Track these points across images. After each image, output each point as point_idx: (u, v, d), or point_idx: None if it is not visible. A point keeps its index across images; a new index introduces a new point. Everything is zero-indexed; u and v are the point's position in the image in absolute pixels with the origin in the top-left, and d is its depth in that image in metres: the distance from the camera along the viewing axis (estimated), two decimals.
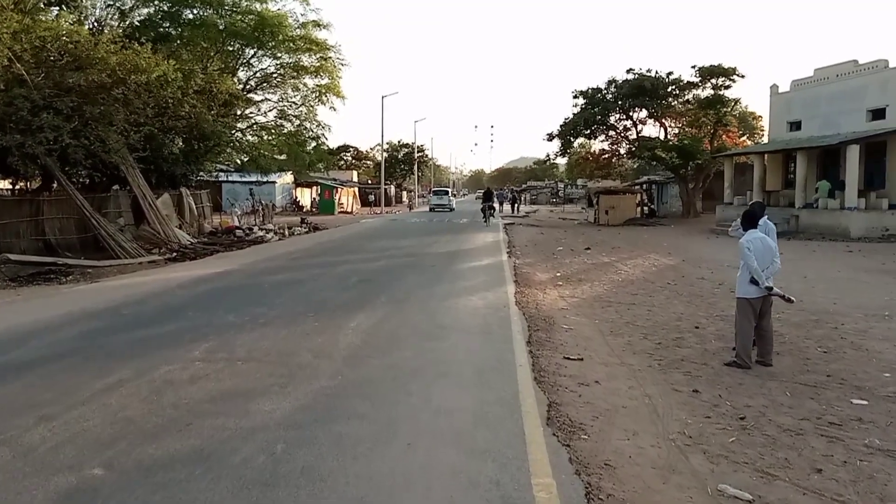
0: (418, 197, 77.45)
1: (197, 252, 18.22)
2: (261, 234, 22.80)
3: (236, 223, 24.85)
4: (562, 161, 69.52)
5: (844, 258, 17.77)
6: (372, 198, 55.27)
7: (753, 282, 7.12)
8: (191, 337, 7.90)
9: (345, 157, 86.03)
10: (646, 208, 39.44)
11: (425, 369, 6.53)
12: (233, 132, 25.94)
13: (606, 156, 40.40)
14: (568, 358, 7.22)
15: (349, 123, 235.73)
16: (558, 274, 14.58)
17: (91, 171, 18.00)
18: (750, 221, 7.59)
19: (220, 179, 41.72)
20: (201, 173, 27.03)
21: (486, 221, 33.45)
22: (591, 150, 45.13)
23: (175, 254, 17.62)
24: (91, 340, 7.85)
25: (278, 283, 12.29)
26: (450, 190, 71.57)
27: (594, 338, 8.37)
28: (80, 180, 20.11)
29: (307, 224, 29.18)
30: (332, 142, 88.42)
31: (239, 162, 27.98)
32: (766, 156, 28.85)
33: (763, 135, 38.94)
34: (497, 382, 6.15)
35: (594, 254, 19.04)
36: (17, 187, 20.34)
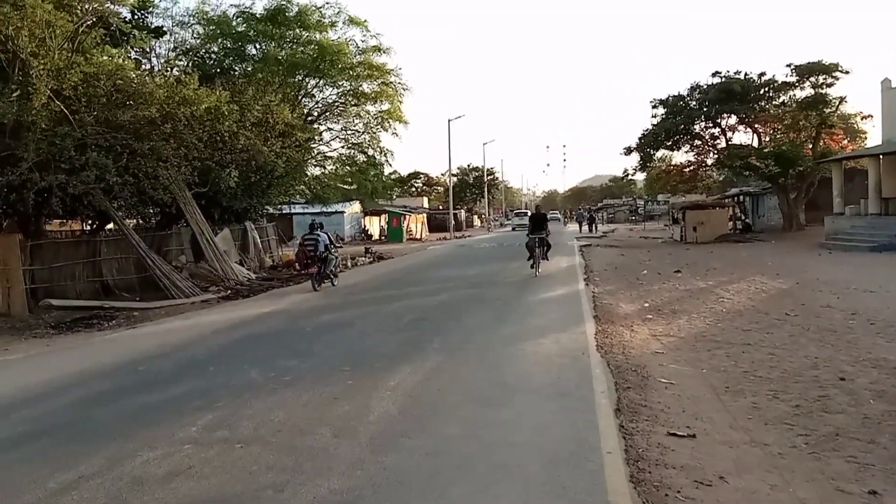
0: (492, 220, 75.78)
1: (253, 289, 17.21)
2: None
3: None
4: (640, 177, 66.44)
5: None
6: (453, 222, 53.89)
7: None
8: (198, 404, 6.47)
9: (415, 184, 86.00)
10: (739, 223, 36.26)
11: (476, 459, 4.76)
12: (294, 163, 25.21)
13: (691, 168, 37.38)
14: (674, 434, 5.29)
15: (419, 150, 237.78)
16: (646, 304, 12.50)
17: (143, 207, 17.41)
18: None
19: (291, 212, 41.66)
20: (267, 207, 26.43)
21: (534, 270, 17.78)
22: (673, 163, 42.14)
23: (230, 291, 16.64)
24: (83, 411, 6.56)
25: (322, 325, 10.82)
26: (528, 212, 71.44)
27: (705, 398, 6.37)
28: (146, 219, 19.72)
29: (371, 253, 28.04)
30: (403, 169, 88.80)
31: (302, 194, 27.21)
32: (881, 159, 25.47)
33: (866, 138, 35.01)
34: (576, 485, 4.31)
35: (686, 277, 16.74)
36: (75, 229, 20.09)
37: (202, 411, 6.21)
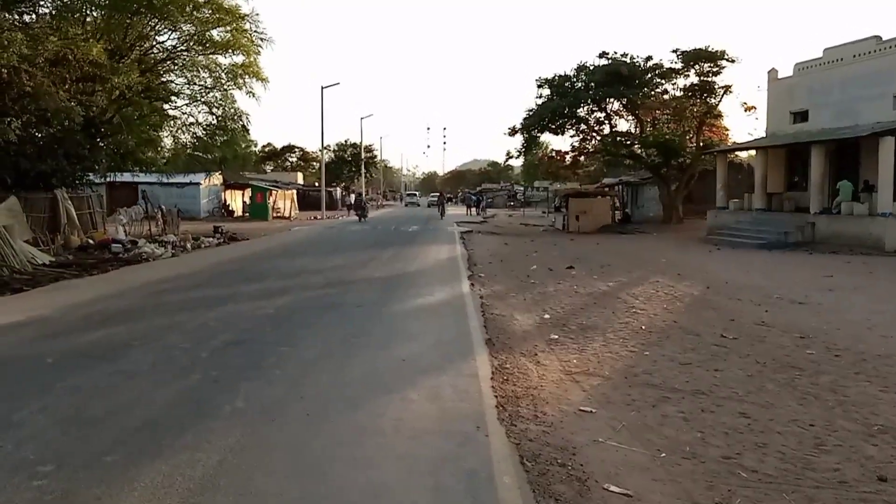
0: (368, 201, 72.10)
1: (36, 279, 12.75)
2: (147, 249, 17.36)
3: (120, 234, 19.27)
4: (517, 163, 65.60)
5: None
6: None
7: None
8: None
9: (290, 159, 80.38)
10: (618, 213, 35.31)
11: None
12: (124, 118, 20.40)
13: (574, 154, 35.92)
14: None
15: (295, 123, 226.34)
16: (546, 316, 9.81)
17: None
18: None
19: (136, 181, 35.86)
20: (90, 173, 21.40)
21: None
22: (554, 150, 40.70)
23: (7, 280, 12.12)
24: None
25: (75, 352, 6.97)
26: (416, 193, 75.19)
27: None
28: None
29: (221, 234, 23.78)
30: (277, 142, 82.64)
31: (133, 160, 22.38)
32: (768, 152, 24.77)
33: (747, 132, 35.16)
34: None
35: (582, 276, 14.40)
36: None
37: None
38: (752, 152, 33.55)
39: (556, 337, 8.35)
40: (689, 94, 31.55)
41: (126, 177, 32.16)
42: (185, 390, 5.61)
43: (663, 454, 4.70)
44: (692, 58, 30.34)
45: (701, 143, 31.42)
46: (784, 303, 10.99)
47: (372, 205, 62.45)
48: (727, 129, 33.42)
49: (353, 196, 56.67)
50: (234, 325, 8.41)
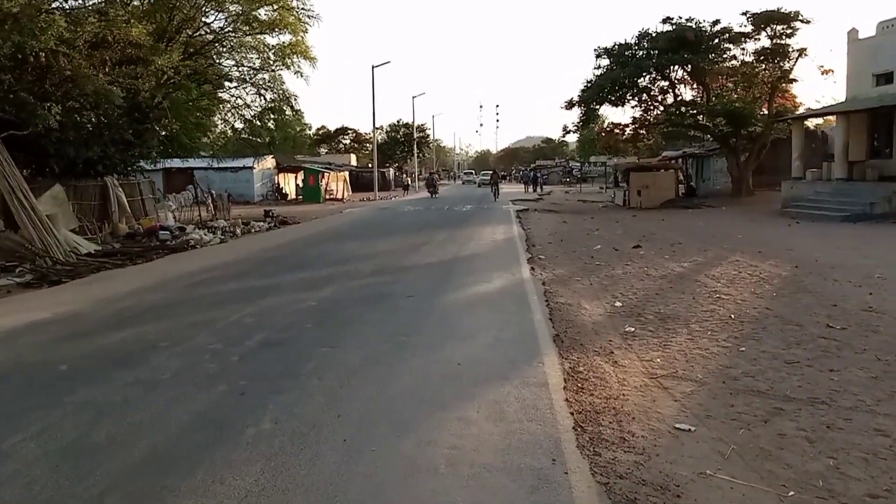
0: (419, 180, 71.43)
1: (77, 269, 12.42)
2: (195, 235, 17.00)
3: (169, 220, 19.01)
4: (572, 139, 63.50)
5: None
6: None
7: None
8: None
9: (343, 141, 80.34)
10: (682, 187, 33.51)
11: None
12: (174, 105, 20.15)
13: (634, 126, 34.13)
14: None
15: (348, 105, 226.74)
16: (618, 304, 8.76)
17: None
18: None
19: (189, 166, 36.02)
20: (142, 161, 21.29)
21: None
22: (612, 123, 38.82)
23: (40, 273, 11.84)
24: None
25: (97, 357, 6.32)
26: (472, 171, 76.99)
27: None
28: None
29: (272, 217, 23.41)
30: (331, 124, 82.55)
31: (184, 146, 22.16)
32: (849, 118, 22.68)
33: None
34: None
35: (651, 256, 13.22)
36: None
37: None
38: (824, 119, 31.25)
39: (633, 329, 7.32)
40: (760, 58, 29.47)
41: (178, 162, 32.21)
42: (206, 408, 4.84)
43: (791, 492, 3.68)
44: (763, 20, 28.27)
45: (774, 111, 29.32)
46: (889, 283, 9.61)
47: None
48: (795, 96, 31.17)
49: (405, 177, 60.18)
50: (272, 322, 7.67)
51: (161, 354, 6.28)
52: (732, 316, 7.88)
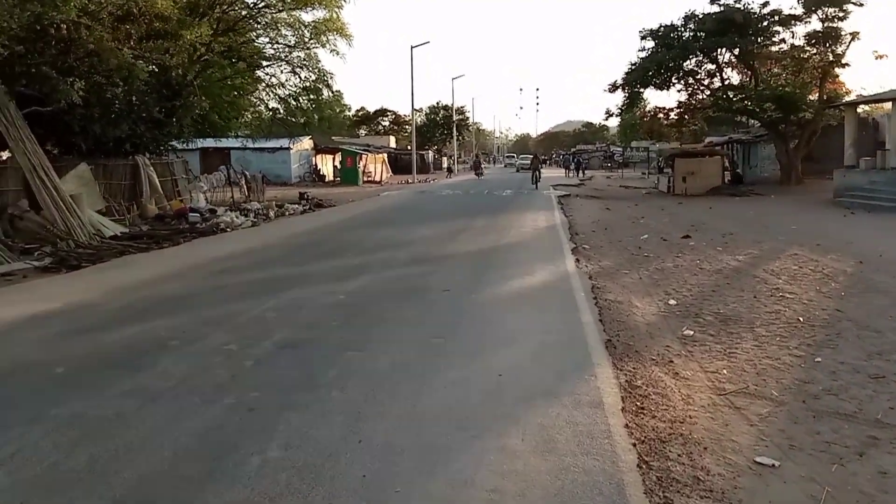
0: (458, 163, 70.66)
1: (99, 255, 11.93)
2: (226, 218, 16.65)
3: (201, 202, 18.69)
4: (613, 123, 61.90)
5: None
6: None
7: None
8: None
9: (382, 123, 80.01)
10: (728, 174, 32.19)
11: None
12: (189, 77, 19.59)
13: (679, 110, 32.84)
14: None
15: (388, 87, 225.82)
16: (672, 302, 8.05)
17: None
18: None
19: (227, 146, 35.87)
20: (174, 140, 21.05)
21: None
22: (656, 107, 37.47)
23: (58, 258, 11.41)
24: None
25: (98, 357, 5.79)
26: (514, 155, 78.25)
27: None
28: None
29: (307, 200, 23.02)
30: (370, 105, 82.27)
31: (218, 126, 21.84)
32: None
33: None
34: None
35: (702, 247, 12.41)
36: None
37: None
38: (871, 107, 29.50)
39: (692, 333, 6.63)
40: (811, 42, 28.02)
41: (213, 142, 32.05)
42: (207, 427, 4.28)
43: None
44: (815, 2, 26.83)
45: (825, 97, 27.87)
46: None
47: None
48: (843, 83, 29.61)
49: (446, 159, 63.24)
50: (295, 319, 7.17)
51: (169, 356, 5.81)
52: (801, 318, 7.13)
